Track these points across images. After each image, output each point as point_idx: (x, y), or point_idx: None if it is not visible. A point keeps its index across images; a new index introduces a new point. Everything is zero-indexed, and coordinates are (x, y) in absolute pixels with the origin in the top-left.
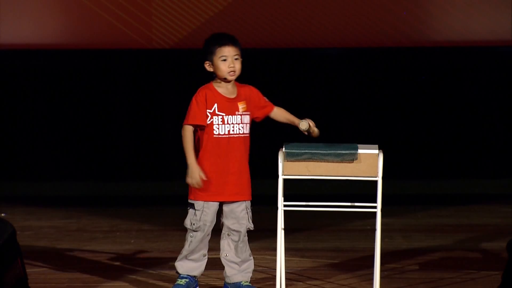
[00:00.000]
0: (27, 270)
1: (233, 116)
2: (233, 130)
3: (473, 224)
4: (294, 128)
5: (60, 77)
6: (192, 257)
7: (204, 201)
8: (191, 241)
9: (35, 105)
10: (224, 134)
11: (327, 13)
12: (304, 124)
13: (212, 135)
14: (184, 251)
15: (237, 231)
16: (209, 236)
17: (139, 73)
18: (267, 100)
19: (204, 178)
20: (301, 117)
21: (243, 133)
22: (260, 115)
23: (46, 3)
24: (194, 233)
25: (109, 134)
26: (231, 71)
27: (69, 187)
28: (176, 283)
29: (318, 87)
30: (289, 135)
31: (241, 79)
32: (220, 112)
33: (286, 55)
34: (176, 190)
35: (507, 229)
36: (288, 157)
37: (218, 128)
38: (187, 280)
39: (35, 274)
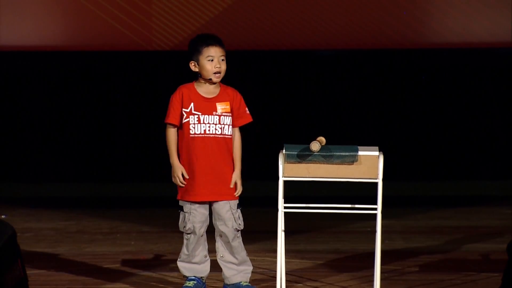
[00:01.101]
0: (27, 272)
1: (210, 116)
2: (209, 130)
3: (473, 226)
4: (295, 129)
5: (60, 79)
6: (194, 260)
7: (189, 201)
8: (186, 244)
9: (35, 106)
10: (200, 133)
11: (327, 15)
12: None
13: (188, 134)
14: (183, 254)
15: (224, 232)
16: (204, 237)
17: (139, 75)
18: (246, 112)
19: (187, 177)
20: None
21: (221, 134)
22: (233, 123)
23: (47, 5)
24: (187, 235)
25: (109, 136)
26: (217, 72)
27: (69, 188)
28: (184, 285)
29: (318, 89)
30: (289, 137)
31: (242, 81)
32: (196, 111)
33: (286, 57)
34: (176, 192)
35: (507, 231)
36: (289, 158)
37: (194, 128)
38: (195, 282)
39: (35, 276)
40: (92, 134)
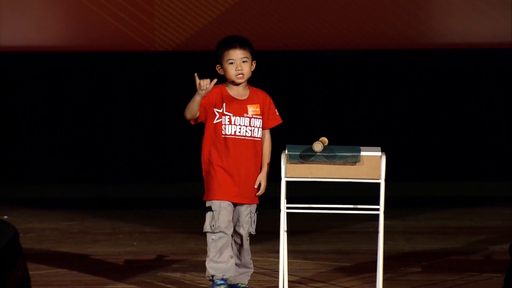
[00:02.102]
0: (30, 273)
1: (241, 117)
2: (239, 132)
3: (476, 226)
4: (297, 130)
5: (62, 79)
6: (222, 259)
7: (219, 200)
8: (214, 244)
9: (37, 107)
10: (231, 134)
11: (329, 16)
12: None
13: (220, 134)
14: (211, 254)
15: (239, 234)
16: (231, 238)
17: (141, 75)
18: (276, 114)
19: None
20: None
21: (251, 136)
22: (263, 124)
23: (48, 5)
24: (215, 234)
25: (112, 136)
26: (239, 74)
27: (71, 189)
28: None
29: (320, 90)
30: (292, 137)
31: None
32: (228, 112)
33: (288, 57)
34: (179, 192)
35: (509, 231)
36: (291, 159)
37: (225, 128)
38: (225, 285)
39: (38, 276)
40: (95, 134)
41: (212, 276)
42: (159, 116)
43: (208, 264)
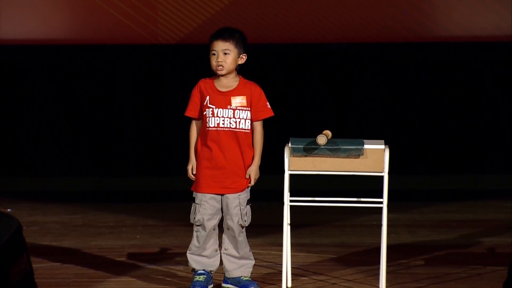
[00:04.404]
0: (33, 265)
1: (224, 109)
2: (223, 124)
3: (479, 220)
4: (301, 123)
5: (64, 72)
6: (204, 253)
7: (201, 193)
8: (196, 236)
9: (40, 100)
10: (214, 126)
11: (331, 8)
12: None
13: (205, 127)
14: (193, 247)
15: (230, 227)
16: (216, 230)
17: (144, 68)
18: (267, 106)
19: (193, 172)
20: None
21: (236, 128)
22: (252, 116)
23: None
24: (197, 227)
25: (114, 129)
26: (219, 66)
27: (74, 182)
28: (194, 279)
29: (323, 83)
30: (295, 130)
31: (248, 75)
32: (211, 104)
33: (291, 50)
34: (181, 185)
35: None
36: (294, 152)
37: (209, 121)
38: (205, 276)
39: (41, 269)
40: (97, 128)
41: (193, 268)
42: (162, 109)
43: (190, 256)
